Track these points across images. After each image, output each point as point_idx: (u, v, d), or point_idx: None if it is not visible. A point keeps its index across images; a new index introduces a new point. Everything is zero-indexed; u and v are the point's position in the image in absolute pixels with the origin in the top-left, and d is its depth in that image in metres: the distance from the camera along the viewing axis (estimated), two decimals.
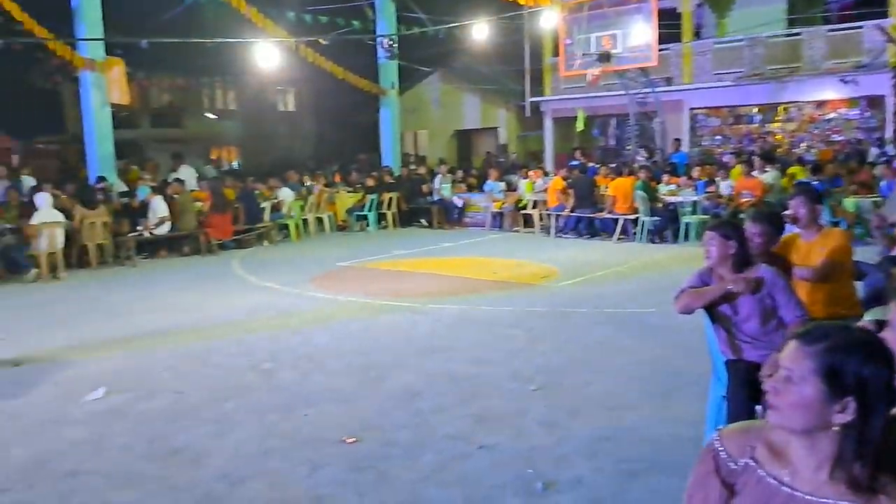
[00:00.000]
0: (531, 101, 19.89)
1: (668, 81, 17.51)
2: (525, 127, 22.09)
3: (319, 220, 14.34)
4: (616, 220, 12.00)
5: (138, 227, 11.28)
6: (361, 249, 11.95)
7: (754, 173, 11.75)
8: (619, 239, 11.90)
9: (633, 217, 11.84)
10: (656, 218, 11.63)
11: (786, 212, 4.12)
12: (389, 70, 17.25)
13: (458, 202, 14.76)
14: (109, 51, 12.71)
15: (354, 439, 4.03)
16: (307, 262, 10.81)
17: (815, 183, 8.89)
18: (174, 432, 4.23)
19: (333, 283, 9.10)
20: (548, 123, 19.83)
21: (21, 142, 26.15)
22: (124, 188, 12.88)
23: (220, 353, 5.89)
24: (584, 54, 15.91)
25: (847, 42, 15.77)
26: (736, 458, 1.52)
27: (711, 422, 3.54)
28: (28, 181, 12.51)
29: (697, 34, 18.19)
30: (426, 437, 4.05)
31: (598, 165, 14.69)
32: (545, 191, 13.41)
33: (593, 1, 15.49)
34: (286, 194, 13.47)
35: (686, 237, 11.46)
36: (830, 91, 15.85)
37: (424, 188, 15.23)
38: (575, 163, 15.13)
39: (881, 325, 2.34)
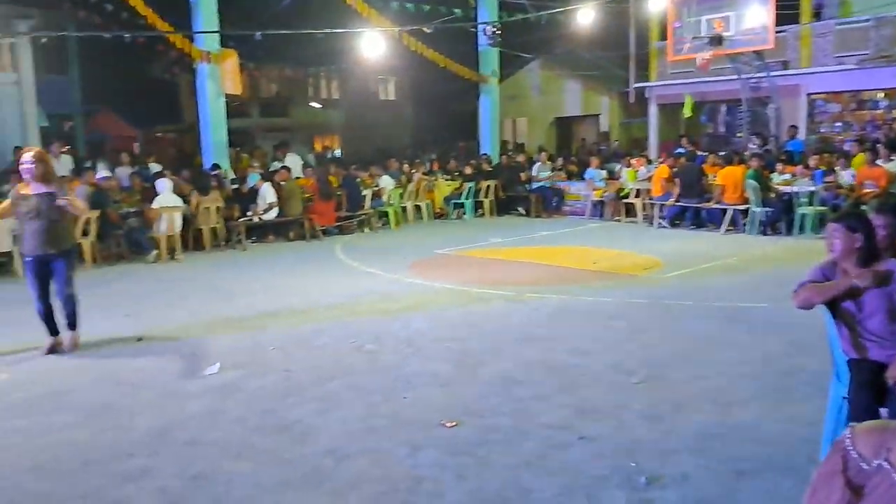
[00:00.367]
0: (635, 87, 19.34)
1: (785, 65, 16.55)
2: (628, 114, 21.52)
3: (418, 208, 14.52)
4: (724, 211, 11.51)
5: (248, 213, 11.79)
6: (458, 237, 12.02)
7: (879, 162, 10.97)
8: (727, 230, 11.42)
9: (742, 208, 11.33)
10: (769, 209, 11.07)
11: None
12: (490, 57, 17.19)
13: (560, 184, 14.59)
14: (223, 43, 13.29)
15: (454, 423, 4.07)
16: (406, 248, 10.99)
17: None
18: (284, 408, 4.41)
19: (431, 270, 9.21)
20: (653, 110, 19.22)
21: (142, 131, 27.87)
22: (234, 175, 13.49)
23: (324, 335, 6.08)
24: (693, 38, 15.28)
25: None
26: (869, 458, 1.43)
27: (831, 423, 3.34)
28: (154, 168, 13.32)
29: (817, 15, 17.10)
30: (526, 425, 4.04)
31: (705, 154, 14.11)
32: (649, 179, 13.02)
33: None
34: (387, 182, 13.72)
35: (801, 229, 10.85)
36: None
37: (523, 176, 15.11)
38: (681, 150, 14.59)
39: None
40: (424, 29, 13.99)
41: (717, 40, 14.77)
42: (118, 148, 23.04)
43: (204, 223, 11.12)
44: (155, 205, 10.33)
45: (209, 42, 12.75)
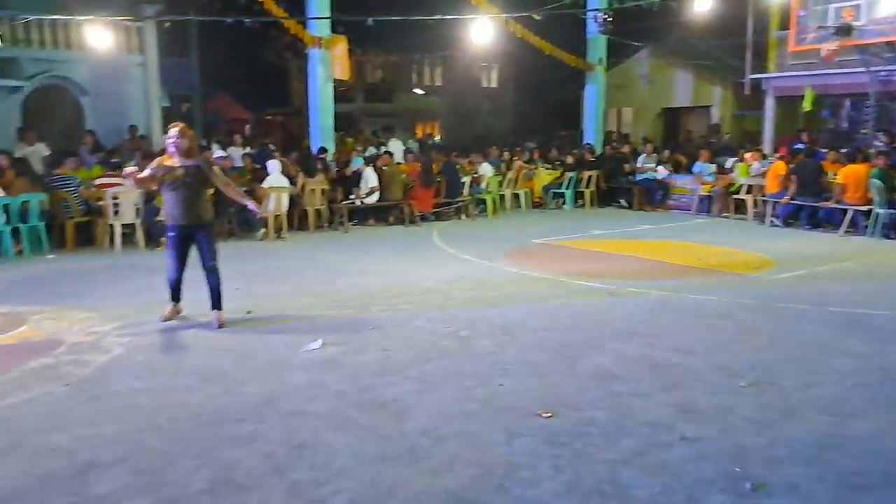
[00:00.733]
0: (751, 78, 18.41)
1: None
2: (742, 106, 20.52)
3: (516, 197, 14.44)
4: (844, 211, 10.82)
5: (351, 196, 12.09)
6: (557, 227, 11.87)
7: None
8: (846, 232, 10.74)
9: (865, 208, 10.62)
10: (894, 210, 10.33)
11: None
12: (598, 45, 16.82)
13: (662, 174, 14.12)
14: (334, 29, 13.62)
15: (550, 414, 4.04)
16: (503, 237, 10.97)
17: None
18: (381, 386, 4.51)
19: (528, 259, 9.14)
20: (769, 102, 18.23)
21: (253, 113, 29.04)
22: (338, 158, 13.83)
23: (421, 318, 6.17)
24: (819, 27, 14.40)
25: None
26: None
27: None
28: (266, 150, 13.88)
29: None
30: (625, 421, 3.96)
31: (825, 150, 13.29)
32: (762, 175, 12.41)
33: None
34: (486, 169, 13.70)
35: None
36: None
37: (626, 167, 14.74)
38: (800, 146, 13.80)
39: None
40: (534, 16, 13.82)
41: (845, 30, 13.86)
42: (231, 129, 24.14)
43: (309, 204, 11.49)
44: (265, 185, 10.75)
45: (321, 28, 13.10)
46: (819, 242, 10.26)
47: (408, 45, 24.01)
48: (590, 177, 14.53)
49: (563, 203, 14.47)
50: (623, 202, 14.60)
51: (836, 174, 11.32)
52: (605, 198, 14.81)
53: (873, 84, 14.63)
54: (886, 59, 14.49)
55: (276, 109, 31.13)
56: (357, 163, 12.59)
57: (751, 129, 19.89)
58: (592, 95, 17.31)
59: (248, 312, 6.30)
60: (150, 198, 9.44)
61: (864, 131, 15.58)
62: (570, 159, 14.98)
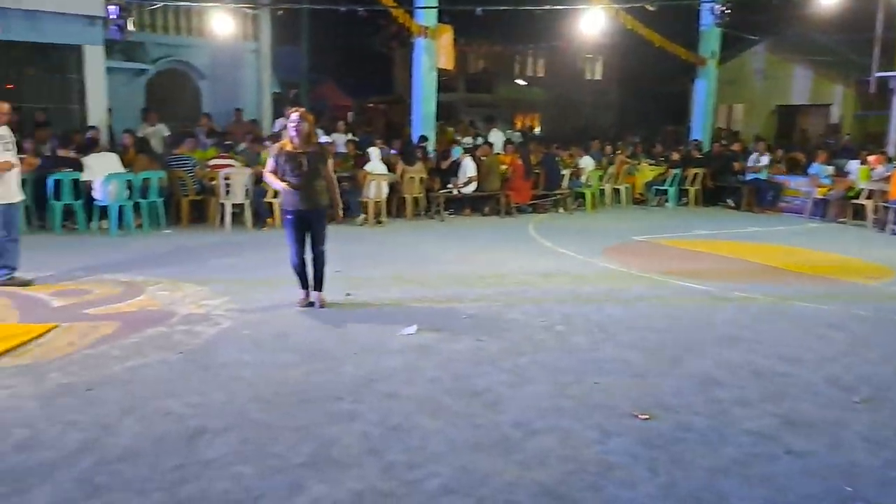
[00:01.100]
0: (878, 76, 17.22)
1: None
2: (865, 105, 19.26)
3: (617, 192, 14.14)
4: None
5: (448, 185, 12.18)
6: (659, 225, 11.55)
7: None
8: None
9: None
10: None
11: None
12: (711, 38, 16.15)
13: (777, 178, 13.47)
14: (440, 18, 13.71)
15: (647, 416, 3.95)
16: (601, 232, 10.77)
17: None
18: (475, 375, 4.54)
19: (627, 256, 8.94)
20: None
21: (356, 101, 29.69)
22: (437, 148, 13.94)
23: (515, 310, 6.15)
24: None
25: None
26: None
27: None
28: (368, 137, 14.17)
29: None
30: (725, 429, 3.81)
31: None
32: (886, 180, 11.60)
33: None
34: (587, 163, 13.48)
35: None
36: None
37: (736, 166, 14.13)
38: None
39: None
40: (648, 6, 13.44)
41: None
42: (335, 116, 24.79)
43: (408, 192, 11.66)
44: (366, 170, 10.98)
45: (428, 17, 13.21)
46: None
47: (512, 35, 23.87)
48: (696, 174, 14.04)
49: (666, 200, 14.05)
50: (730, 202, 14.03)
51: None
52: (711, 197, 14.27)
53: None
54: None
55: (379, 97, 31.68)
56: (457, 152, 12.66)
57: (874, 131, 18.64)
58: (703, 90, 16.67)
59: (348, 295, 6.47)
60: (258, 179, 9.84)
61: None
62: (675, 155, 14.51)
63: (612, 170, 13.96)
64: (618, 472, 3.33)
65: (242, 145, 12.05)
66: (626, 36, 15.99)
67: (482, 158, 12.26)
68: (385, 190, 11.20)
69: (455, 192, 12.06)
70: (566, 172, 13.12)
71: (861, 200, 11.94)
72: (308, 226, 5.90)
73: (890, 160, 12.89)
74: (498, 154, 13.14)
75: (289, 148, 5.78)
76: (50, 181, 9.11)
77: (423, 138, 13.12)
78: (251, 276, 7.06)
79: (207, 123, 13.56)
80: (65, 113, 12.90)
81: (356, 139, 13.54)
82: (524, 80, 29.38)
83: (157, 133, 12.80)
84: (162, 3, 14.59)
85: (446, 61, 13.37)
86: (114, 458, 3.29)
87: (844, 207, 12.26)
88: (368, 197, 10.90)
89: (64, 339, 4.94)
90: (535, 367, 4.74)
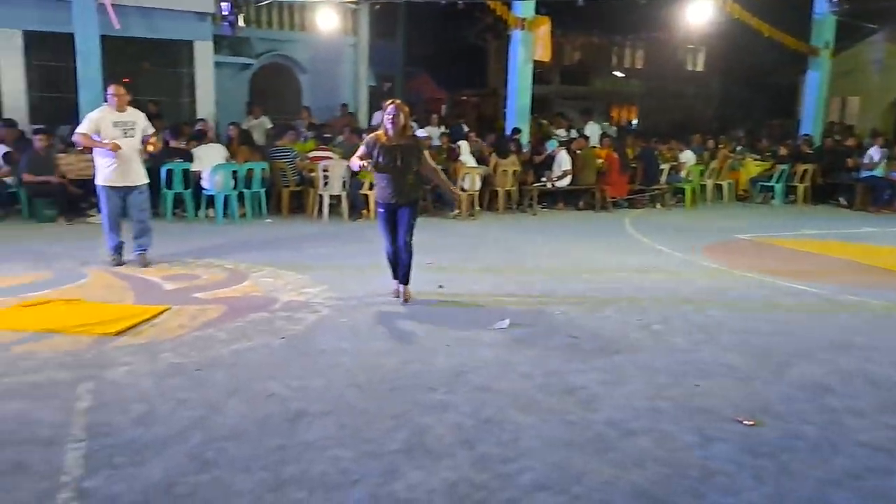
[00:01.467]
0: None
1: None
2: None
3: (718, 188, 13.61)
4: None
5: (542, 179, 12.06)
6: (763, 223, 11.05)
7: None
8: None
9: None
10: None
11: None
12: (825, 27, 15.25)
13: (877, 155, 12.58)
14: (537, 10, 13.56)
15: (752, 422, 3.78)
16: (701, 229, 10.40)
17: None
18: (568, 372, 4.48)
19: (729, 255, 8.59)
20: None
21: (449, 94, 29.83)
22: (531, 140, 13.82)
23: (609, 307, 6.03)
24: None
25: None
26: None
27: None
28: (462, 129, 14.24)
29: None
30: (838, 439, 3.60)
31: None
32: None
33: None
34: (688, 157, 13.04)
35: None
36: None
37: (849, 162, 13.32)
38: None
39: None
40: None
41: None
42: (428, 109, 25.01)
43: (500, 185, 11.63)
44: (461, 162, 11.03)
45: (525, 9, 13.10)
46: None
47: (610, 26, 23.39)
48: (805, 170, 13.33)
49: (772, 197, 13.41)
50: (842, 200, 13.25)
51: None
52: (822, 195, 13.54)
53: None
54: None
55: (472, 90, 31.69)
56: (552, 145, 12.51)
57: None
58: (814, 82, 15.77)
59: (440, 287, 6.52)
60: (355, 171, 10.05)
61: None
62: (783, 150, 13.83)
63: (714, 164, 13.45)
64: (719, 478, 3.21)
65: (340, 138, 12.35)
66: (732, 25, 15.32)
67: (577, 152, 12.08)
68: (478, 183, 11.21)
69: (549, 185, 11.94)
70: (665, 167, 12.73)
71: None
72: (398, 218, 5.86)
73: None
74: (594, 147, 12.90)
75: (383, 140, 5.72)
76: (162, 170, 9.62)
77: (517, 131, 13.04)
78: (347, 265, 7.24)
79: (307, 116, 13.97)
80: (175, 106, 13.62)
81: (449, 132, 13.61)
82: (621, 71, 28.68)
83: (260, 125, 13.31)
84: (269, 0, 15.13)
85: (543, 53, 13.22)
86: (220, 436, 3.45)
87: None
88: (463, 189, 10.94)
89: (175, 321, 5.22)
90: (631, 366, 4.63)
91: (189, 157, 9.92)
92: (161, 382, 4.09)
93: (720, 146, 14.25)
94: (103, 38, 11.01)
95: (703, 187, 13.33)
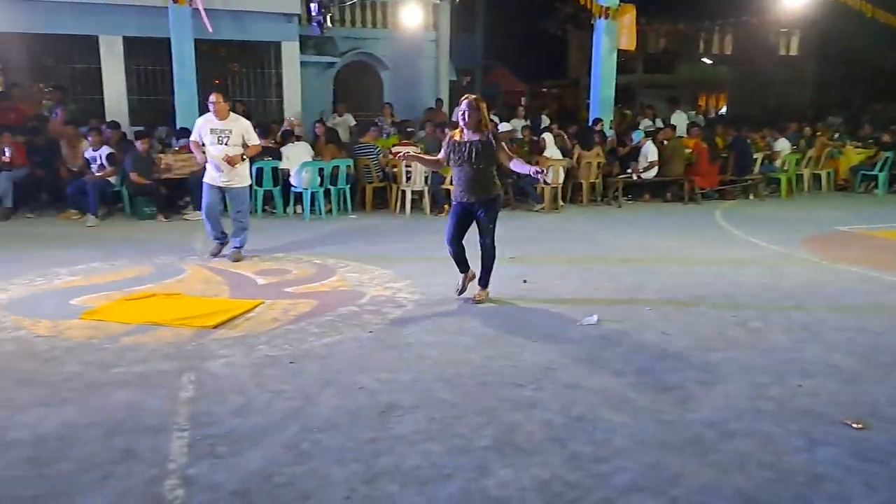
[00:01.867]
0: None
1: None
2: None
3: (816, 177, 12.95)
4: None
5: (628, 170, 11.78)
6: (866, 214, 10.44)
7: None
8: None
9: None
10: None
11: None
12: None
13: None
14: None
15: (861, 425, 3.57)
16: (798, 221, 9.93)
17: None
18: (661, 370, 4.35)
19: (829, 248, 8.16)
20: None
21: (529, 85, 29.57)
22: (614, 131, 13.52)
23: (703, 303, 5.83)
24: None
25: None
26: None
27: None
28: (544, 121, 14.08)
29: None
30: None
31: None
32: None
33: None
34: (783, 146, 12.46)
35: None
36: None
37: None
38: None
39: None
40: None
41: None
42: (508, 102, 24.85)
43: (584, 177, 11.43)
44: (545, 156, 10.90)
45: None
46: None
47: (696, 12, 22.56)
48: None
49: (875, 187, 12.65)
50: None
51: None
52: None
53: None
54: None
55: (552, 81, 31.30)
56: (637, 136, 12.20)
57: None
58: None
59: (525, 281, 6.46)
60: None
61: None
62: (886, 137, 13.01)
63: (811, 153, 12.80)
64: (828, 484, 3.04)
65: (422, 132, 12.43)
66: (829, 7, 14.53)
67: (664, 142, 11.73)
68: (561, 175, 11.06)
69: (634, 177, 11.65)
70: (758, 156, 12.21)
71: None
72: (473, 217, 5.65)
73: None
74: (681, 137, 12.50)
75: (457, 137, 5.58)
76: (252, 169, 9.92)
77: (597, 121, 12.78)
78: (431, 260, 7.27)
79: (389, 112, 14.14)
80: (263, 105, 14.04)
81: (530, 125, 13.48)
82: (709, 58, 27.67)
83: (344, 123, 13.55)
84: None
85: (628, 42, 12.90)
86: (315, 428, 3.52)
87: None
88: (546, 183, 10.81)
89: (269, 315, 5.38)
90: (729, 364, 4.46)
91: (278, 156, 10.20)
92: (257, 374, 4.22)
93: (818, 133, 13.55)
94: (196, 42, 11.47)
95: (800, 177, 12.70)
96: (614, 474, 3.12)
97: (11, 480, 3.03)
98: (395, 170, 10.67)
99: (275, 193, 10.23)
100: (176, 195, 10.13)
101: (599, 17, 12.81)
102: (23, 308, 5.52)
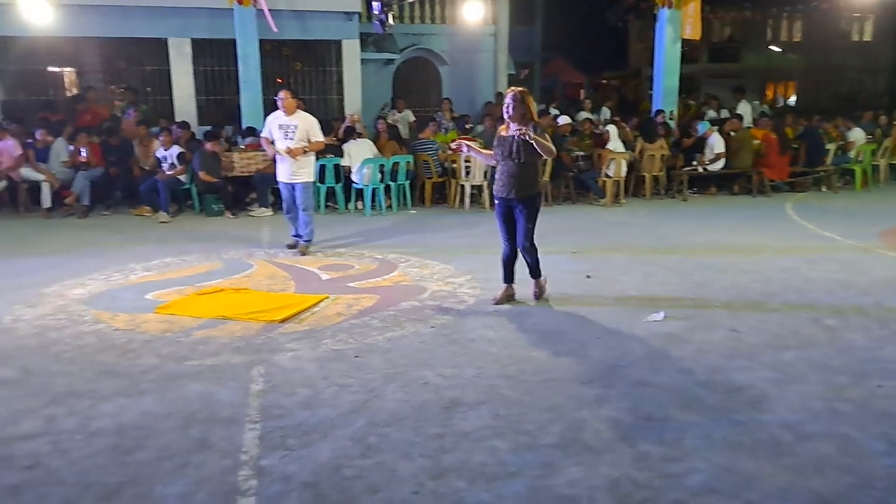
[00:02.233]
0: None
1: None
2: None
3: (893, 168, 12.37)
4: None
5: (693, 162, 11.49)
6: None
7: None
8: None
9: None
10: None
11: None
12: None
13: None
14: None
15: None
16: (875, 214, 9.51)
17: None
18: (732, 369, 4.23)
19: None
20: None
21: (589, 77, 29.15)
22: (678, 122, 13.20)
23: (775, 300, 5.65)
24: None
25: None
26: None
27: None
28: (605, 113, 13.86)
29: None
30: None
31: None
32: None
33: None
34: (857, 136, 11.96)
35: None
36: None
37: None
38: None
39: None
40: None
41: None
42: (567, 94, 24.55)
43: (647, 170, 11.21)
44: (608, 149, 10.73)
45: None
46: None
47: None
48: None
49: None
50: None
51: None
52: None
53: None
54: None
55: (612, 72, 30.81)
56: (703, 127, 11.88)
57: None
58: None
59: (588, 277, 6.38)
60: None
61: None
62: None
63: (887, 143, 12.23)
64: None
65: (481, 127, 12.39)
66: None
67: (731, 133, 11.40)
68: (624, 168, 10.87)
69: (700, 169, 11.36)
70: (831, 147, 11.74)
71: None
72: (513, 216, 5.47)
73: None
74: (749, 128, 12.12)
75: (501, 131, 5.49)
76: (315, 166, 10.09)
77: (660, 112, 12.50)
78: (491, 255, 7.18)
79: (448, 107, 14.16)
80: (325, 103, 14.24)
81: (591, 117, 13.29)
82: (777, 46, 26.73)
83: (404, 119, 13.63)
84: None
85: (693, 31, 12.57)
86: (381, 422, 3.56)
87: None
88: (607, 177, 10.65)
89: (333, 310, 5.47)
90: (803, 364, 4.31)
91: (340, 153, 10.34)
92: (323, 367, 4.30)
93: (894, 122, 12.94)
94: (260, 42, 11.71)
95: (875, 168, 12.16)
96: (686, 475, 3.05)
97: (96, 468, 3.17)
98: (454, 165, 10.68)
99: (337, 190, 10.38)
100: (242, 192, 10.38)
101: (663, 7, 12.52)
102: (102, 302, 5.76)
